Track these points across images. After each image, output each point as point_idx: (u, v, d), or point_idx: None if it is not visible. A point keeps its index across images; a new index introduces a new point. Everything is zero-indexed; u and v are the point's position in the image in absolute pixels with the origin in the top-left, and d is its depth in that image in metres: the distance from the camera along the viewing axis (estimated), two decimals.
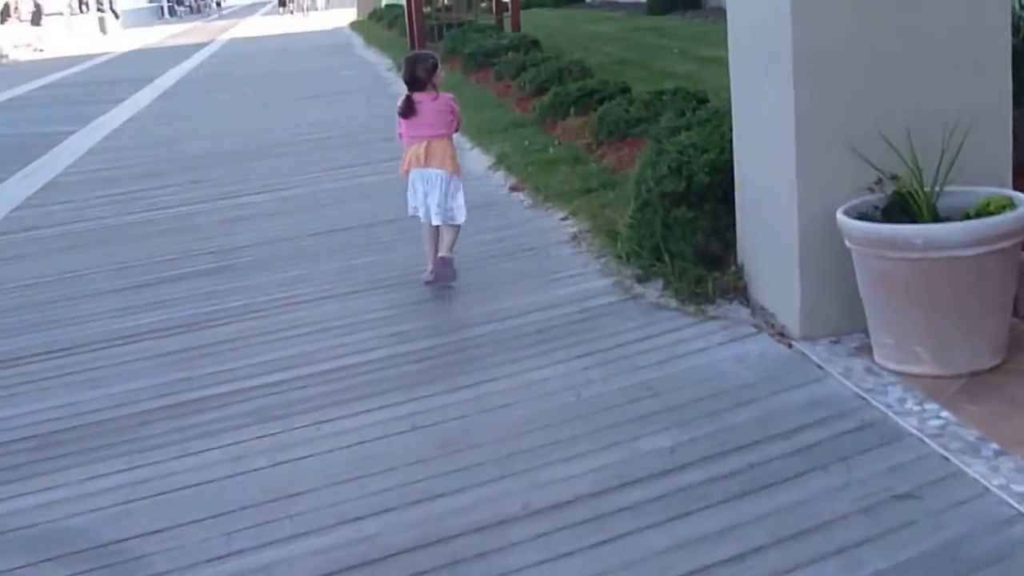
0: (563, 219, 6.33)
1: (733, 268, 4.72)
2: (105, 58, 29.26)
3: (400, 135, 5.48)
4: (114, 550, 3.14)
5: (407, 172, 5.38)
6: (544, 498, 3.16)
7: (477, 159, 8.29)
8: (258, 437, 3.81)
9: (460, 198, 5.38)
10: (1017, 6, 4.88)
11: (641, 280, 4.98)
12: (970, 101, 3.98)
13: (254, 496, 3.37)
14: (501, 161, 8.09)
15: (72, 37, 39.44)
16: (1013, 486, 2.94)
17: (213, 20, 55.75)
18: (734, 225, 4.73)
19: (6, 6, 36.84)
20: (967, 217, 3.67)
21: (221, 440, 3.82)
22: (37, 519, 3.39)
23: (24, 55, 32.91)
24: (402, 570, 2.90)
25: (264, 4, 70.36)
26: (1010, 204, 3.65)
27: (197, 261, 6.39)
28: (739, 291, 4.62)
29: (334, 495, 3.31)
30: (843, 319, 4.07)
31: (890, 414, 3.45)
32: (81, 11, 45.74)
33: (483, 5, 20.24)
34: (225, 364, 4.59)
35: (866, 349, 3.91)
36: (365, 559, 2.96)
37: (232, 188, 8.66)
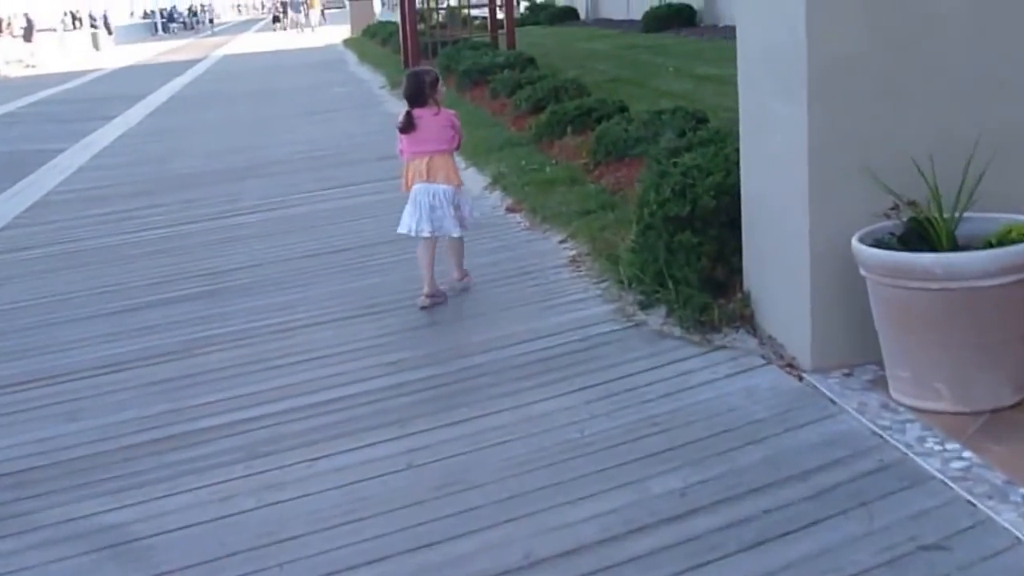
0: (561, 242, 6.18)
1: (739, 295, 4.56)
2: (97, 74, 29.13)
3: (400, 151, 5.39)
4: None
5: (409, 188, 5.30)
6: (547, 546, 2.98)
7: (473, 179, 8.12)
8: (247, 475, 3.63)
9: (470, 204, 5.51)
10: None
11: (644, 307, 4.83)
12: (993, 122, 3.82)
13: (242, 541, 3.18)
14: (497, 181, 7.95)
15: (64, 53, 39.33)
16: None
17: (206, 37, 55.71)
18: (740, 250, 4.58)
19: None
20: (989, 245, 3.51)
21: (209, 478, 3.64)
22: (9, 566, 3.19)
23: (15, 71, 32.80)
24: None
25: (257, 21, 70.42)
26: None
27: (187, 284, 6.22)
28: (746, 319, 4.46)
29: (326, 541, 3.13)
30: (856, 350, 3.91)
31: (910, 454, 3.28)
32: (74, 27, 45.70)
33: (477, 23, 20.14)
34: (215, 395, 4.42)
35: (881, 382, 3.75)
36: None
37: (224, 208, 8.51)
